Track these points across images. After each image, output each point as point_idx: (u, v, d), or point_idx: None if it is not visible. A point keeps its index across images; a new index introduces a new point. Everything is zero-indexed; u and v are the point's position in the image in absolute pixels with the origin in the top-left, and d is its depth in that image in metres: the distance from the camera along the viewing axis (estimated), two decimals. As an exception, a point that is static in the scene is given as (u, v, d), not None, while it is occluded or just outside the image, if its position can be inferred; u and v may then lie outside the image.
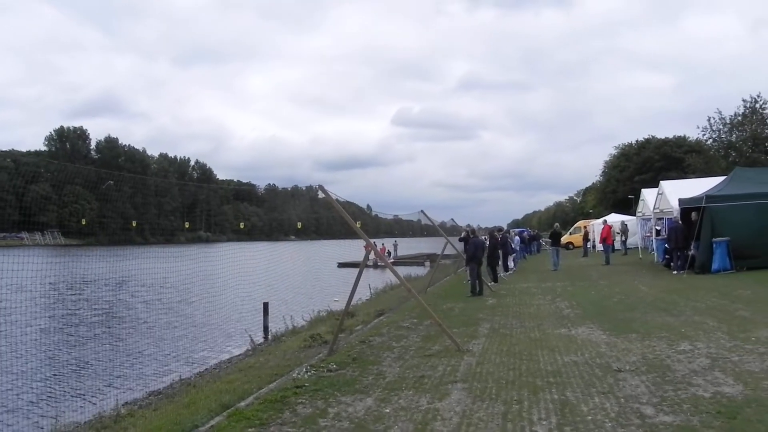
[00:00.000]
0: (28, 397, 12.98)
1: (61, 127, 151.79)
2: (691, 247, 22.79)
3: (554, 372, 8.50)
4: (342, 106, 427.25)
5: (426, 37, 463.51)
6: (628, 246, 41.42)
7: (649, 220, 35.72)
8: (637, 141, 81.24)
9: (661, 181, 30.91)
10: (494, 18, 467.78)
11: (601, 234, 34.08)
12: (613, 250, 34.49)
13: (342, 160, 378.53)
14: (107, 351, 17.42)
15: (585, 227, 50.28)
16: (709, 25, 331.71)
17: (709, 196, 22.19)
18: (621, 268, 28.58)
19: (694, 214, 22.81)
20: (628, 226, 42.67)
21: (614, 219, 45.24)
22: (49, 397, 13.09)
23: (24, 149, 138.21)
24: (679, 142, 73.53)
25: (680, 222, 23.76)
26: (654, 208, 31.03)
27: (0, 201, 75.81)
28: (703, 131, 53.71)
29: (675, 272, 22.93)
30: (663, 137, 77.73)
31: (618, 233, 40.96)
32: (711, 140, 53.79)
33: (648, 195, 35.08)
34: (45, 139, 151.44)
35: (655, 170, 66.83)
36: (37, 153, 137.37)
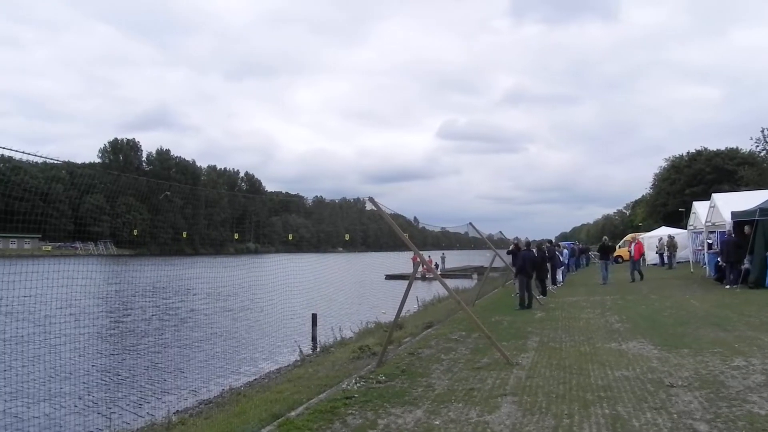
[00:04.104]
0: (83, 402, 13.27)
1: (115, 139, 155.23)
2: (745, 261, 22.38)
3: (605, 386, 8.45)
4: (388, 119, 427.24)
5: (471, 52, 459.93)
6: (678, 260, 40.67)
7: (700, 233, 35.08)
8: (687, 153, 79.79)
9: (713, 194, 30.34)
10: (539, 32, 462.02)
11: (637, 250, 32.99)
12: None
13: (388, 173, 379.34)
14: (159, 360, 17.74)
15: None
16: (756, 37, 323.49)
17: (762, 209, 21.75)
18: (672, 282, 28.14)
19: (747, 228, 22.40)
20: (677, 240, 41.88)
21: (663, 232, 44.60)
22: (105, 403, 13.34)
23: (79, 161, 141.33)
24: (732, 154, 72.17)
25: (733, 235, 23.34)
26: (706, 222, 30.48)
27: (56, 212, 77.58)
28: (756, 143, 52.92)
29: (728, 286, 22.56)
30: (714, 149, 76.39)
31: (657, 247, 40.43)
32: (765, 152, 52.92)
33: (699, 208, 34.42)
34: (99, 151, 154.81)
35: (707, 183, 65.73)
36: (92, 165, 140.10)
